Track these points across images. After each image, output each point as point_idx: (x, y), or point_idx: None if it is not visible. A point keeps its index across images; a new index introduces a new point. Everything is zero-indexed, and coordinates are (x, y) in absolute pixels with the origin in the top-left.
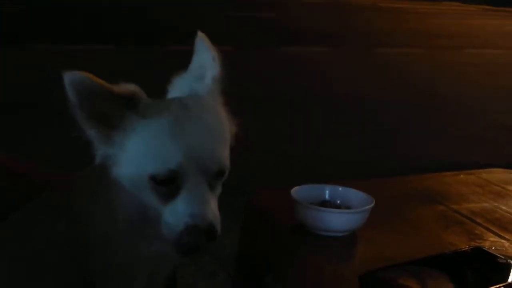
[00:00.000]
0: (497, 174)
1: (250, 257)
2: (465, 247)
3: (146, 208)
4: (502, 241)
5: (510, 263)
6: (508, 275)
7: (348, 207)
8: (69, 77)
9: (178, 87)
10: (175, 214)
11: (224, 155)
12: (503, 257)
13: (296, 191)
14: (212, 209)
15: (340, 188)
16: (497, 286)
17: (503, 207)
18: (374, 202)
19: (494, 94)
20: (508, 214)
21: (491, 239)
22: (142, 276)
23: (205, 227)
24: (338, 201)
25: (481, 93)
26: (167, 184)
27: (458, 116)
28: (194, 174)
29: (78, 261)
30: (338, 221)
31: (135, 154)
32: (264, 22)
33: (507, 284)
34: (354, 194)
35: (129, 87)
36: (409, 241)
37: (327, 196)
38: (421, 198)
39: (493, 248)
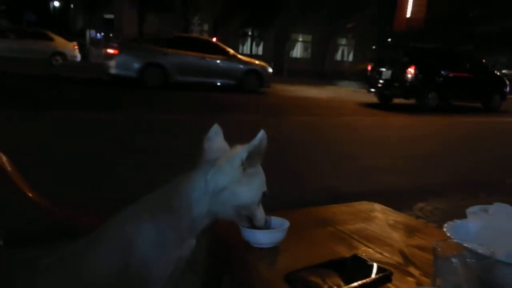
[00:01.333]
0: (365, 205)
1: (213, 261)
2: (347, 255)
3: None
4: (369, 250)
5: (373, 264)
6: (371, 272)
7: (272, 228)
8: (262, 135)
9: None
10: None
11: None
12: (369, 260)
13: None
14: None
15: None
16: (364, 280)
17: (369, 227)
18: (289, 224)
19: (360, 145)
20: (372, 232)
21: (363, 248)
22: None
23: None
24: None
25: (352, 145)
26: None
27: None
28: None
29: None
30: (266, 238)
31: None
32: None
33: (371, 279)
34: (275, 220)
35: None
36: (313, 251)
37: None
38: (319, 223)
39: (363, 254)
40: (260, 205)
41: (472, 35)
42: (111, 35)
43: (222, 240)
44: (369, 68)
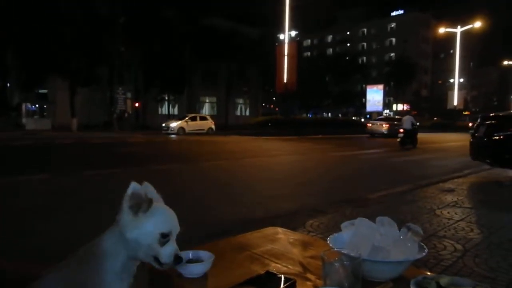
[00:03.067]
0: (271, 230)
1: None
2: (262, 272)
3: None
4: (278, 265)
5: (281, 276)
6: (280, 283)
7: (201, 261)
8: (133, 187)
9: None
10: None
11: None
12: (278, 273)
13: None
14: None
15: (194, 252)
16: None
17: (276, 247)
18: (214, 256)
19: (261, 181)
20: (278, 250)
21: (273, 264)
22: None
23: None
24: (196, 257)
25: (256, 180)
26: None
27: (248, 191)
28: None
29: None
30: (197, 269)
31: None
32: None
33: None
34: (203, 253)
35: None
36: (236, 273)
37: (190, 256)
38: (238, 249)
39: (274, 269)
40: (169, 244)
41: (328, 93)
42: (45, 106)
43: (162, 272)
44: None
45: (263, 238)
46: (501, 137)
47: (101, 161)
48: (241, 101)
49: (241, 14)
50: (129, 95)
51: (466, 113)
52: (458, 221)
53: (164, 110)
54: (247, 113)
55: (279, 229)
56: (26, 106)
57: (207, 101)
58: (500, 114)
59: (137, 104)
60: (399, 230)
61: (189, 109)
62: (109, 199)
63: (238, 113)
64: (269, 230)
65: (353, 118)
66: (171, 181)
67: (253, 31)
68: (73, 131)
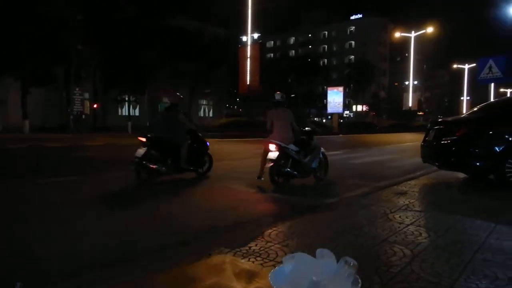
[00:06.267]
0: (219, 259)
1: None
2: None
3: None
4: None
5: None
6: None
7: None
8: None
9: None
10: None
11: None
12: None
13: None
14: None
15: None
16: None
17: (222, 281)
18: None
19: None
20: (224, 285)
21: None
22: None
23: None
24: None
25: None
26: None
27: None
28: None
29: None
30: None
31: None
32: None
33: None
34: None
35: None
36: None
37: None
38: (184, 282)
39: None
40: None
41: (292, 94)
42: None
43: None
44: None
45: (210, 268)
46: (448, 141)
47: (55, 166)
48: (204, 102)
49: (205, 15)
50: (87, 95)
51: (421, 113)
52: (409, 225)
53: (124, 111)
54: (211, 115)
55: (227, 258)
56: None
57: (169, 102)
58: (448, 120)
59: (95, 105)
60: (338, 261)
61: (151, 110)
62: (65, 208)
63: (201, 114)
64: (217, 259)
65: (315, 119)
66: (129, 189)
67: (217, 32)
68: (25, 133)
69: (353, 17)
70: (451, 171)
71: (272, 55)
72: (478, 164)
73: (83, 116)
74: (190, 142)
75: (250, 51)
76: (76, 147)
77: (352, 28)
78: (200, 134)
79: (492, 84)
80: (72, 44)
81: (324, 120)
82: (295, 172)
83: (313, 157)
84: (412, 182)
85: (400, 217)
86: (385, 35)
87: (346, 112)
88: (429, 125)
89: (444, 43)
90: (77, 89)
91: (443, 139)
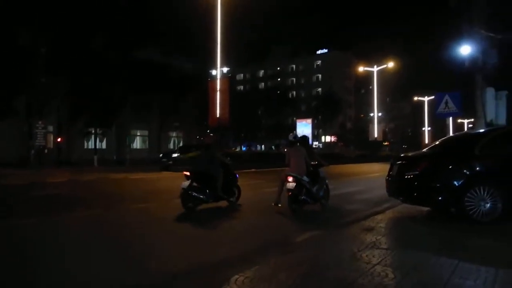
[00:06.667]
0: None
1: None
2: None
3: None
4: None
5: None
6: None
7: None
8: None
9: None
10: None
11: None
12: None
13: None
14: None
15: None
16: None
17: None
18: None
19: (187, 227)
20: None
21: None
22: None
23: None
24: None
25: (183, 226)
26: None
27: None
28: None
29: None
30: None
31: None
32: None
33: None
34: None
35: None
36: None
37: None
38: None
39: None
40: None
41: (261, 126)
42: None
43: None
44: None
45: None
46: (411, 176)
47: (12, 207)
48: (174, 134)
49: (175, 48)
50: (51, 128)
51: (386, 143)
52: (375, 264)
53: (90, 144)
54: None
55: None
56: None
57: (139, 134)
58: (410, 155)
59: (59, 139)
60: None
61: (119, 143)
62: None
63: (171, 146)
64: None
65: (285, 150)
66: (91, 233)
67: (186, 65)
68: None
69: (319, 52)
70: (415, 205)
71: (242, 87)
72: (439, 198)
73: (46, 151)
74: (223, 174)
75: (220, 84)
76: (37, 184)
77: (319, 62)
78: (231, 168)
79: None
80: (35, 76)
81: None
82: (308, 200)
83: (320, 186)
84: (379, 216)
85: (367, 256)
86: (350, 68)
87: (316, 143)
88: (392, 160)
89: (405, 76)
90: (39, 122)
91: (406, 174)
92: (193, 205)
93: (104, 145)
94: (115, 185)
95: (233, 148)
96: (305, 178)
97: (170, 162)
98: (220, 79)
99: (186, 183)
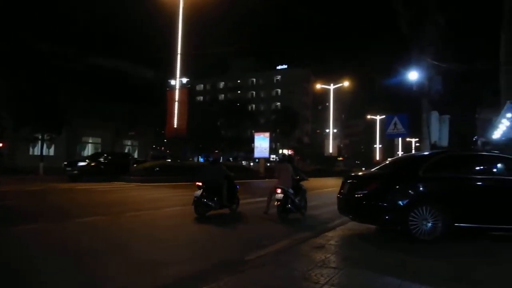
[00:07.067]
0: None
1: None
2: None
3: None
4: None
5: None
6: None
7: None
8: None
9: None
10: None
11: None
12: None
13: None
14: None
15: None
16: None
17: None
18: None
19: (140, 243)
20: None
21: None
22: None
23: None
24: None
25: (135, 242)
26: None
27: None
28: None
29: None
30: None
31: None
32: None
33: None
34: None
35: None
36: None
37: None
38: None
39: None
40: None
41: (220, 137)
42: None
43: None
44: None
45: None
46: (360, 195)
47: None
48: (129, 143)
49: (134, 56)
50: None
51: (340, 159)
52: (323, 284)
53: (37, 150)
54: (136, 156)
55: None
56: None
57: (91, 141)
58: (360, 175)
59: (1, 144)
60: None
61: (69, 150)
62: None
63: None
64: None
65: (243, 162)
66: (32, 249)
67: (144, 73)
68: None
69: (279, 67)
70: (364, 223)
71: (202, 98)
72: (386, 217)
73: None
74: (227, 185)
75: (179, 94)
76: None
77: (278, 77)
78: (233, 180)
79: None
80: None
81: (251, 164)
82: (293, 209)
83: (301, 197)
84: (330, 233)
85: (316, 275)
86: (308, 85)
87: (273, 156)
88: (344, 179)
89: (360, 96)
90: None
91: (356, 193)
92: (203, 211)
93: (52, 152)
94: (62, 196)
95: (190, 159)
96: (290, 190)
97: (75, 172)
98: (179, 89)
99: (198, 192)
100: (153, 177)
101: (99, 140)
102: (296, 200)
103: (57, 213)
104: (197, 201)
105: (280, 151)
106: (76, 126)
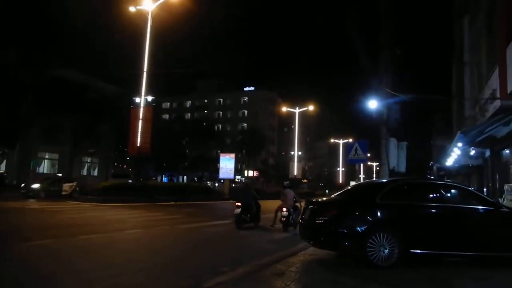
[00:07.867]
0: None
1: None
2: None
3: None
4: None
5: None
6: None
7: None
8: None
9: None
10: None
11: None
12: None
13: None
14: None
15: None
16: None
17: None
18: None
19: (95, 268)
20: None
21: None
22: None
23: None
24: None
25: (90, 267)
26: None
27: None
28: None
29: None
30: None
31: None
32: None
33: None
34: None
35: None
36: None
37: None
38: None
39: None
40: None
41: (185, 157)
42: None
43: None
44: None
45: None
46: (321, 221)
47: None
48: (88, 159)
49: (98, 71)
50: None
51: (305, 181)
52: None
53: None
54: (96, 173)
55: None
56: None
57: (47, 157)
58: (320, 200)
59: None
60: None
61: (22, 165)
62: None
63: (84, 173)
64: None
65: (207, 182)
66: None
67: (105, 88)
68: None
69: (246, 89)
70: (324, 249)
71: (167, 116)
72: (345, 243)
73: None
74: (255, 204)
75: (143, 112)
76: None
77: (245, 98)
78: (258, 201)
79: None
80: None
81: (216, 184)
82: (293, 223)
83: (296, 215)
84: (291, 259)
85: None
86: (274, 107)
87: (238, 177)
88: (305, 204)
89: (324, 120)
90: None
91: (316, 219)
92: (241, 225)
93: (2, 167)
94: (12, 216)
95: (153, 178)
96: (291, 210)
97: (31, 194)
98: (144, 107)
99: (238, 210)
100: (112, 197)
101: (56, 156)
102: (295, 217)
103: (10, 234)
104: (238, 217)
105: (246, 173)
106: (30, 140)
